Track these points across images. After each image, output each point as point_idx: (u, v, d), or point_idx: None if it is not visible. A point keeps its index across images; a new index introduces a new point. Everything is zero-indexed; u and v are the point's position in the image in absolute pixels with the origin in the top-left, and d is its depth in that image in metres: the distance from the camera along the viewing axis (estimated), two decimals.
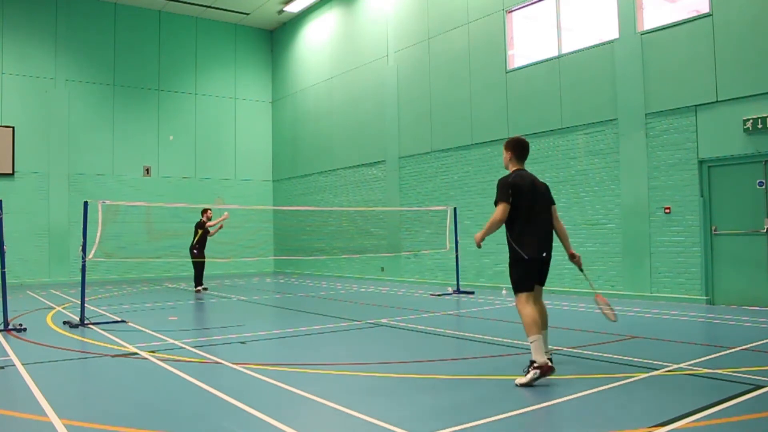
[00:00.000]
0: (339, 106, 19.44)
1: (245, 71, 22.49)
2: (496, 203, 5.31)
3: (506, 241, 5.39)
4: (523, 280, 5.28)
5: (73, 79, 18.99)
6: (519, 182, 5.30)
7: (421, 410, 4.40)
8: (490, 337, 7.31)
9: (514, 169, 5.52)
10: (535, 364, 4.93)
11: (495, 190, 5.37)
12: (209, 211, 14.69)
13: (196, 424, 4.10)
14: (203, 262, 14.41)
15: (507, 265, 5.49)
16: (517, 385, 4.96)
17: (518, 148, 5.54)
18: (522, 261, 5.26)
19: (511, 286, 5.40)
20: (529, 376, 4.92)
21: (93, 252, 9.25)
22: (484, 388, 5.04)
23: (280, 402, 4.65)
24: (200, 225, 14.52)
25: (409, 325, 8.45)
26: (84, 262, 8.90)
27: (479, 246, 5.55)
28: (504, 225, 5.36)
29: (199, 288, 14.37)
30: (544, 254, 5.35)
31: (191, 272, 14.77)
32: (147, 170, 20.16)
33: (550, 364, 5.00)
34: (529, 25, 13.92)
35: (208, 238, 14.67)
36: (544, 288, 5.62)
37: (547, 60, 13.02)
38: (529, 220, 5.30)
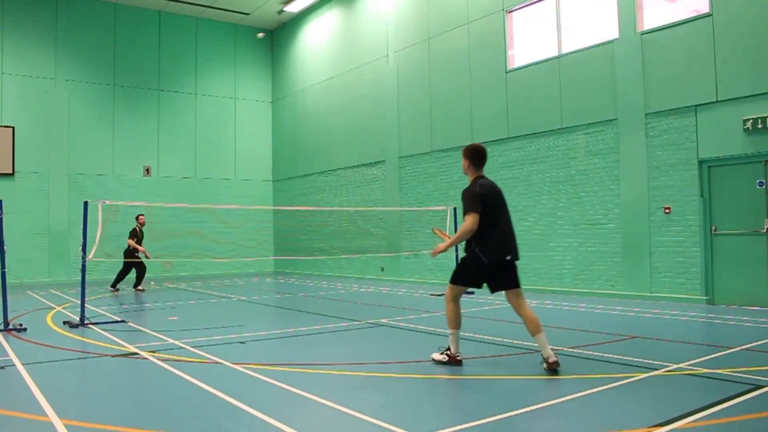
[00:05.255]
0: (339, 106, 19.44)
1: (245, 71, 22.49)
2: (465, 213, 5.46)
3: (467, 243, 5.60)
4: (467, 278, 5.63)
5: (73, 79, 18.99)
6: (485, 192, 5.54)
7: (421, 410, 4.39)
8: (490, 337, 7.31)
9: (474, 176, 5.75)
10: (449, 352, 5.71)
11: (466, 198, 5.52)
12: (141, 217, 14.79)
13: (196, 424, 4.09)
14: (129, 265, 14.38)
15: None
16: (432, 359, 5.85)
17: (476, 156, 5.75)
18: (480, 263, 5.50)
19: (452, 276, 5.73)
20: (442, 359, 5.74)
21: (93, 252, 9.24)
22: (484, 388, 5.05)
23: (280, 402, 4.65)
24: (133, 233, 14.51)
25: (410, 325, 8.45)
26: (84, 262, 8.90)
27: (435, 255, 5.78)
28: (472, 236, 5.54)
29: (115, 289, 14.50)
30: (508, 257, 5.53)
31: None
32: (147, 170, 20.16)
33: (461, 357, 5.71)
34: (529, 25, 13.92)
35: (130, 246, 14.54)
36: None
37: (547, 60, 13.02)
38: (495, 226, 5.52)
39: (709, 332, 7.94)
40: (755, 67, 9.79)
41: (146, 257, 14.47)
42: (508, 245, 5.57)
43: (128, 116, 19.91)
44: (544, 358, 5.37)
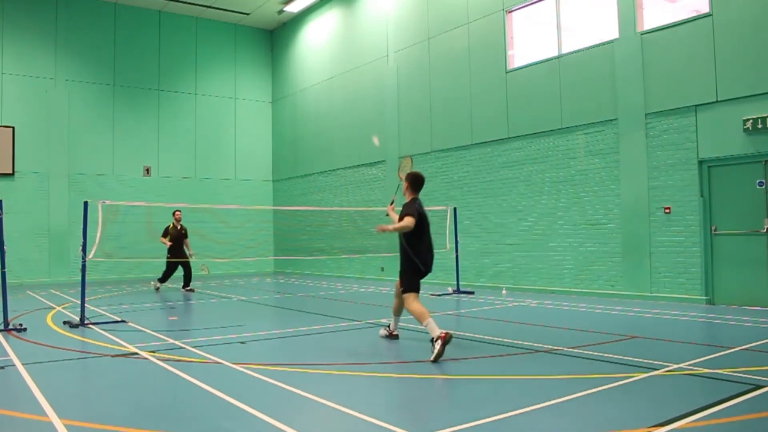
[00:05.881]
0: (339, 106, 19.44)
1: (245, 71, 22.49)
2: (405, 215, 6.53)
3: (404, 254, 6.67)
4: (415, 284, 6.66)
5: (73, 79, 18.99)
6: (422, 211, 6.73)
7: (421, 410, 4.39)
8: (490, 337, 7.31)
9: (411, 197, 6.86)
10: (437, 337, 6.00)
11: (407, 207, 6.65)
12: (177, 213, 14.91)
13: (196, 424, 4.10)
14: (173, 263, 14.54)
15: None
16: (433, 361, 5.86)
17: (416, 183, 6.93)
18: (418, 271, 6.62)
19: (403, 287, 6.68)
20: (438, 348, 5.92)
21: (93, 252, 9.25)
22: (484, 388, 5.05)
23: (280, 402, 4.65)
24: (165, 232, 14.68)
25: (410, 325, 8.44)
26: (84, 262, 8.90)
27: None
28: (406, 243, 6.64)
29: (158, 286, 14.74)
30: (429, 272, 6.77)
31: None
32: (147, 170, 20.16)
33: (446, 332, 6.03)
34: (529, 25, 13.92)
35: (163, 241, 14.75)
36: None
37: (547, 60, 13.02)
38: (424, 240, 6.69)
39: (709, 332, 7.95)
40: (755, 67, 9.79)
41: (189, 254, 14.72)
42: (432, 259, 6.76)
43: (128, 116, 19.91)
44: (390, 327, 7.37)
